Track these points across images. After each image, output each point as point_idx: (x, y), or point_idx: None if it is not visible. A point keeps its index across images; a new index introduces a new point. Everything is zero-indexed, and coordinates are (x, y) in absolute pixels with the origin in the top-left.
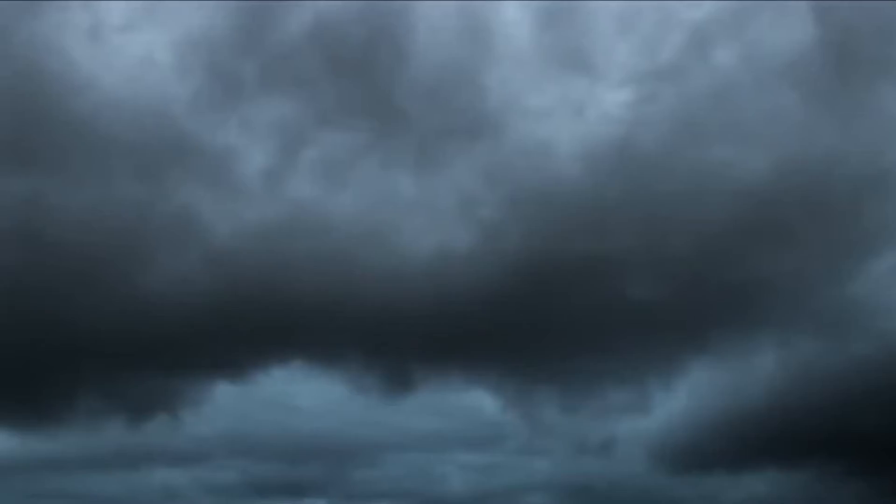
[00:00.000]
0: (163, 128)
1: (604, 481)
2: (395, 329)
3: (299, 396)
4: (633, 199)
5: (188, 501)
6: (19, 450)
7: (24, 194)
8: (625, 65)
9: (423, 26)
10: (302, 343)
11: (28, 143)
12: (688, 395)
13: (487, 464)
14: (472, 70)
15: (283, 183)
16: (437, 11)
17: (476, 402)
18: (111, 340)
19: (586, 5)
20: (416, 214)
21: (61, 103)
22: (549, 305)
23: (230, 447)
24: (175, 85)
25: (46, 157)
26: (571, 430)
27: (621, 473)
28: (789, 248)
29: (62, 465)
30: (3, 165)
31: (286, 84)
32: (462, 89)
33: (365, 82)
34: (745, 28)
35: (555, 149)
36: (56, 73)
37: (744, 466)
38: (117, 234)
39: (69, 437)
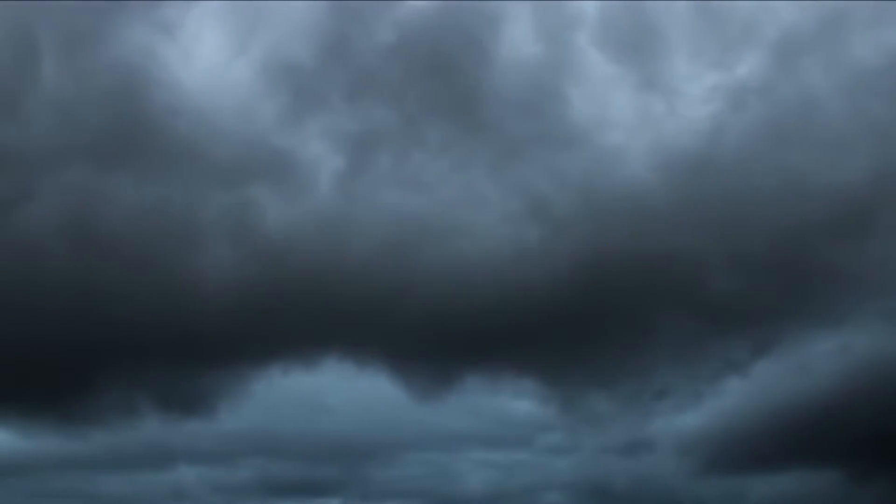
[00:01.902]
0: (244, 141)
1: (626, 481)
2: (449, 327)
3: (334, 395)
4: (708, 202)
5: (196, 501)
6: (33, 450)
7: (90, 190)
8: (706, 76)
9: (508, 35)
10: (348, 342)
11: (113, 145)
12: (739, 393)
13: (510, 463)
14: (553, 80)
15: (357, 184)
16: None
17: (515, 401)
18: (147, 336)
19: (663, 20)
20: (489, 214)
21: (157, 115)
22: (607, 305)
23: (255, 446)
24: (262, 103)
25: (124, 160)
26: (611, 428)
27: (646, 473)
28: (863, 246)
29: (75, 465)
30: (81, 162)
31: (370, 91)
32: (543, 99)
33: (448, 88)
34: (832, 34)
35: (632, 156)
36: (154, 82)
37: (774, 465)
38: (169, 231)
39: (95, 436)
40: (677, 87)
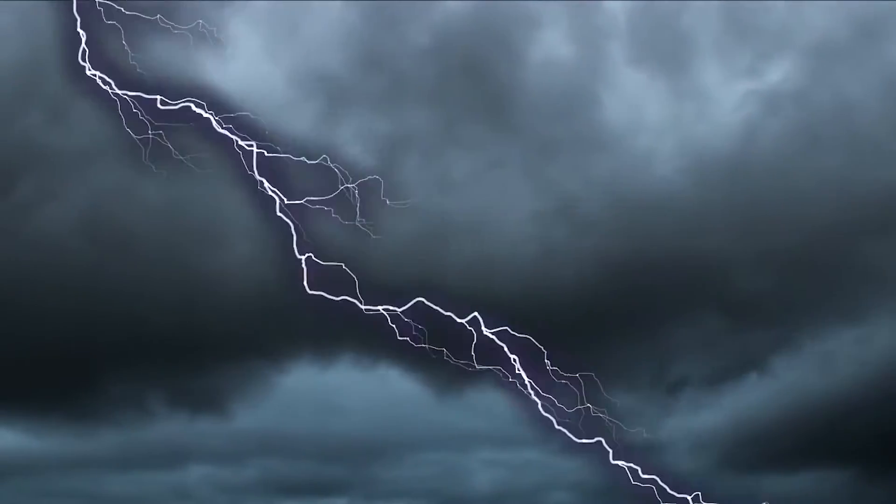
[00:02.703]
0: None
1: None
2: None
3: (348, 394)
4: (739, 204)
5: (199, 501)
6: (41, 449)
7: (115, 190)
8: (739, 81)
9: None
10: (363, 340)
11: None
12: (759, 390)
13: (520, 462)
14: (585, 83)
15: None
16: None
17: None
18: (159, 335)
19: (696, 25)
20: (518, 213)
21: None
22: (632, 304)
23: (266, 445)
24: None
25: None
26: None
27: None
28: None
29: (83, 464)
30: (109, 161)
31: (403, 94)
32: (576, 101)
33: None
34: (866, 38)
35: (663, 159)
36: None
37: (788, 464)
38: (190, 230)
39: (105, 435)
40: (710, 93)
